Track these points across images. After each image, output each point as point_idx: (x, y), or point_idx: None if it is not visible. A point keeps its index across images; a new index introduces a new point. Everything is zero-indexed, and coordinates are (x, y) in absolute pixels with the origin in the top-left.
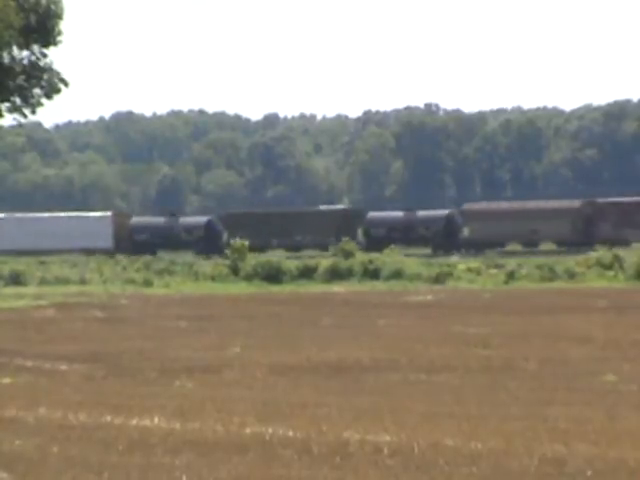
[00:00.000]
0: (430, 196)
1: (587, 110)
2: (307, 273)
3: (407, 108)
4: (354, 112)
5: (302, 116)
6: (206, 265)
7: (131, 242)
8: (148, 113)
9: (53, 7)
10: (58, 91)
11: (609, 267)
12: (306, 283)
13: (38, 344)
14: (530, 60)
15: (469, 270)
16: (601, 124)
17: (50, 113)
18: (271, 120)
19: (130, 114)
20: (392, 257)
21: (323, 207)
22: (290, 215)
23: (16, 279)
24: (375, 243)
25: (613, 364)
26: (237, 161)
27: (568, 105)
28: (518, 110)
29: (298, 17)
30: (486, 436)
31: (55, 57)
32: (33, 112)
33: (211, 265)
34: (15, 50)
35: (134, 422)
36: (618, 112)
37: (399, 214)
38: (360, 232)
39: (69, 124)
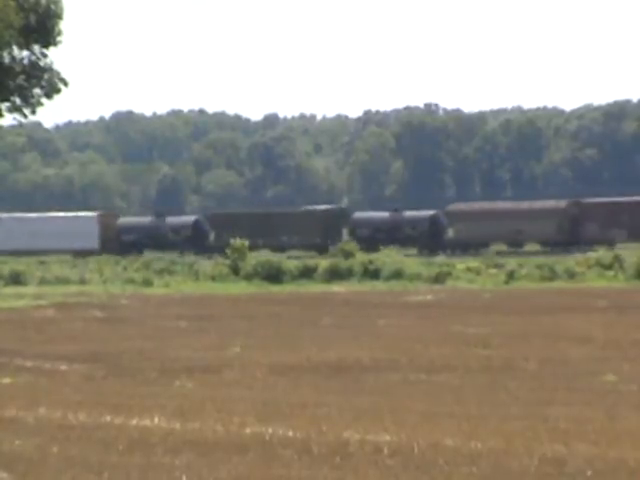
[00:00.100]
0: (430, 196)
1: (587, 110)
2: (307, 273)
3: (407, 108)
4: (354, 112)
5: (302, 116)
6: (206, 265)
7: (118, 242)
8: (148, 113)
9: (53, 7)
10: (58, 91)
11: (609, 267)
12: (306, 283)
13: (38, 344)
14: (530, 60)
15: (469, 270)
16: (601, 124)
17: (50, 113)
18: (271, 120)
19: (130, 114)
20: (392, 257)
21: (309, 207)
22: (276, 215)
23: (16, 279)
24: (361, 243)
25: (613, 364)
26: (237, 161)
27: (568, 105)
28: (518, 110)
29: (298, 17)
30: (486, 436)
31: (55, 57)
32: (33, 112)
33: (211, 265)
34: (15, 50)
35: (134, 422)
36: (618, 112)
37: (385, 214)
38: (346, 232)
39: (69, 124)
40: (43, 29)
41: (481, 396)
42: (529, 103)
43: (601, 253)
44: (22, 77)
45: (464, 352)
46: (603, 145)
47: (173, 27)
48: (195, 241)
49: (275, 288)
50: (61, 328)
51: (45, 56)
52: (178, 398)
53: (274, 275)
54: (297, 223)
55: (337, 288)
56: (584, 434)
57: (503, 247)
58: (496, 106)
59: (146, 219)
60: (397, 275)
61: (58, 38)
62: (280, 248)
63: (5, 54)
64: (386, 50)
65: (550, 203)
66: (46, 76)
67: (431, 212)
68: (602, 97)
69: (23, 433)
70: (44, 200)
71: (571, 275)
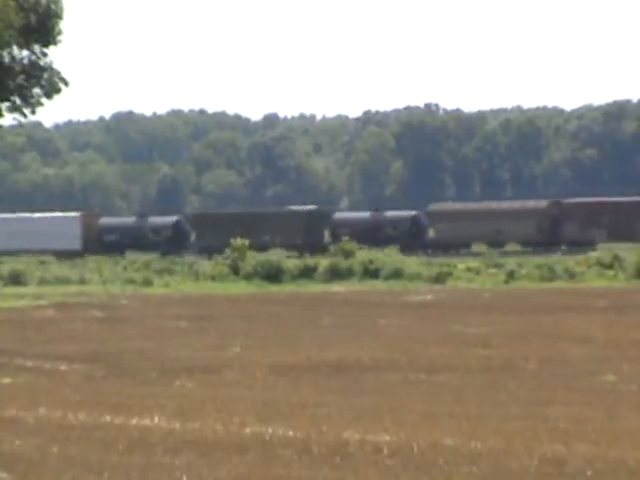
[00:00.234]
0: (430, 196)
1: (587, 110)
2: (307, 273)
3: (407, 108)
4: (354, 112)
5: (302, 116)
6: (206, 265)
7: (100, 243)
8: (148, 113)
9: (53, 7)
10: (58, 91)
11: (609, 267)
12: (306, 283)
13: (38, 344)
14: (530, 60)
15: (469, 270)
16: (601, 124)
17: (50, 113)
18: (271, 120)
19: (130, 114)
20: (392, 257)
21: (290, 208)
22: (258, 215)
23: (16, 279)
24: None
25: (613, 364)
26: (237, 161)
27: (568, 105)
28: (518, 110)
29: (298, 17)
30: (486, 436)
31: (55, 57)
32: (33, 112)
33: (211, 265)
34: (15, 50)
35: (134, 422)
36: (618, 112)
37: (365, 215)
38: (327, 232)
39: (69, 124)
40: (43, 29)
41: (481, 396)
42: (529, 103)
43: (601, 253)
44: (22, 77)
45: (464, 352)
46: (603, 145)
47: (173, 27)
48: (176, 241)
49: (275, 288)
50: (61, 328)
51: (45, 56)
52: (178, 398)
53: (274, 275)
54: (278, 223)
55: (337, 288)
56: (584, 434)
57: (483, 247)
58: (496, 106)
59: (128, 219)
60: (397, 275)
61: (58, 38)
62: (261, 248)
63: (5, 54)
64: (386, 50)
65: (530, 203)
66: (46, 76)
67: (412, 212)
68: (602, 97)
69: (23, 433)
70: (44, 200)
71: (571, 275)
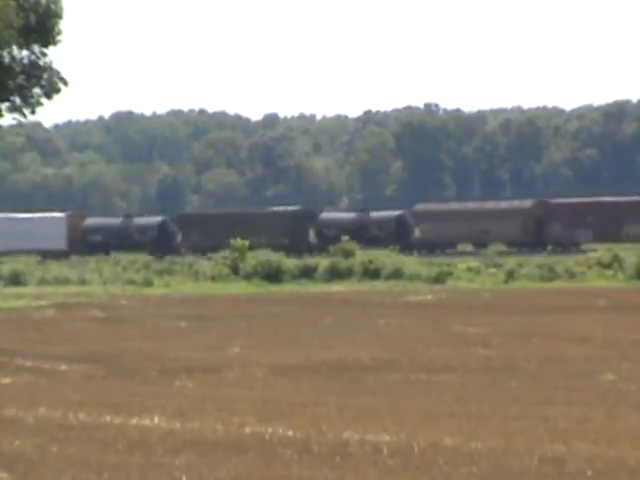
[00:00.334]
0: (430, 196)
1: (587, 110)
2: (307, 273)
3: (407, 108)
4: (354, 112)
5: (302, 116)
6: (206, 265)
7: (85, 243)
8: (148, 113)
9: (53, 7)
10: (58, 91)
11: (609, 267)
12: (306, 283)
13: (38, 344)
14: (530, 60)
15: (469, 270)
16: (601, 124)
17: (50, 113)
18: (271, 120)
19: (130, 114)
20: (392, 257)
21: (275, 208)
22: (243, 216)
23: (16, 279)
24: (327, 244)
25: (613, 364)
26: (237, 161)
27: (568, 105)
28: (518, 110)
29: (298, 17)
30: (486, 436)
31: (55, 57)
32: (33, 112)
33: (211, 265)
34: (15, 50)
35: (134, 422)
36: (618, 112)
37: (351, 215)
38: (312, 233)
39: (69, 124)
40: (43, 29)
41: (481, 396)
42: (529, 103)
43: (601, 253)
44: (22, 77)
45: (464, 352)
46: (603, 145)
47: (173, 27)
48: (162, 242)
49: (275, 288)
50: (61, 328)
51: (45, 56)
52: (178, 398)
53: (274, 275)
54: (264, 224)
55: (337, 288)
56: (584, 434)
57: (469, 247)
58: (496, 106)
59: (114, 220)
60: (397, 275)
61: (58, 38)
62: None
63: (5, 54)
64: (386, 50)
65: (515, 203)
66: (46, 76)
67: (398, 212)
68: (602, 97)
69: (23, 433)
70: (43, 200)
71: (571, 275)
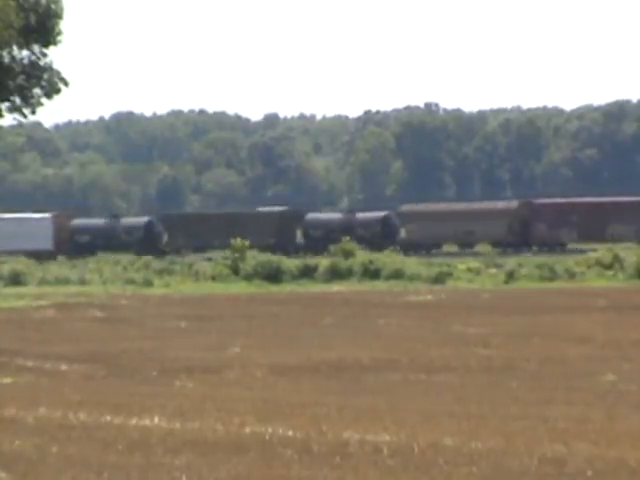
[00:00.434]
0: (430, 196)
1: (587, 110)
2: (307, 273)
3: (407, 108)
4: (354, 112)
5: (302, 116)
6: (206, 265)
7: (72, 243)
8: (148, 113)
9: (53, 7)
10: (58, 91)
11: (609, 267)
12: (306, 283)
13: (38, 344)
14: (530, 60)
15: (469, 270)
16: (601, 124)
17: (50, 113)
18: (271, 120)
19: (130, 114)
20: (392, 257)
21: (262, 209)
22: (229, 216)
23: (16, 279)
24: (314, 244)
25: (613, 364)
26: (237, 161)
27: (568, 105)
28: (518, 110)
29: (298, 17)
30: (486, 436)
31: (55, 57)
32: (33, 112)
33: (211, 265)
34: (15, 50)
35: (134, 422)
36: (618, 112)
37: (337, 215)
38: (299, 233)
39: (69, 124)
40: (43, 29)
41: (481, 396)
42: (529, 103)
43: (601, 253)
44: (22, 77)
45: (464, 352)
46: (603, 145)
47: (173, 27)
48: (148, 242)
49: (275, 288)
50: (61, 328)
51: (45, 56)
52: (178, 398)
53: (274, 275)
54: (250, 224)
55: (337, 288)
56: (584, 434)
57: (454, 247)
58: (496, 106)
59: (100, 220)
60: (397, 275)
61: (58, 38)
62: None
63: (5, 54)
64: (386, 50)
65: (501, 204)
66: (46, 76)
67: (383, 213)
68: (602, 97)
69: (23, 433)
70: (44, 200)
71: (571, 275)
